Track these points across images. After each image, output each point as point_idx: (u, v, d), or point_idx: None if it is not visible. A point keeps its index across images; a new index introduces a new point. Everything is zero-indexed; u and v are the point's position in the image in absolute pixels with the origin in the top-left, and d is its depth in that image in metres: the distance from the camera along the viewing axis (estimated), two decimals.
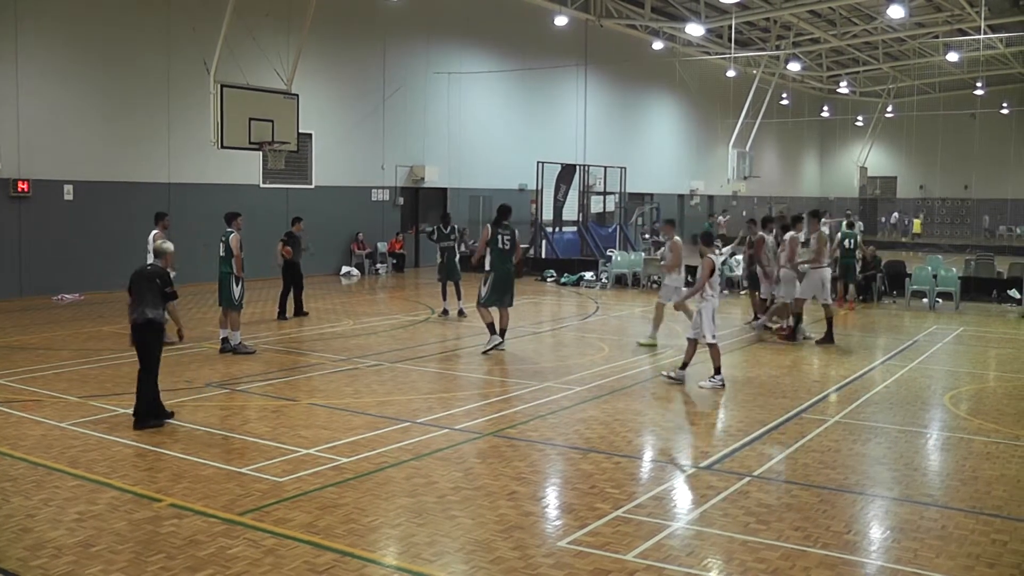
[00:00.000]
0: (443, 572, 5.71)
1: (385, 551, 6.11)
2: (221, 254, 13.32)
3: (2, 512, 6.64)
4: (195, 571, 5.64)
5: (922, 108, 51.91)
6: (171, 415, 9.27)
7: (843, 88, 51.78)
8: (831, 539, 6.29)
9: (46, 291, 19.46)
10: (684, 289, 14.02)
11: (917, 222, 51.43)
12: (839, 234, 19.87)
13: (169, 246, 9.88)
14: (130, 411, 9.19)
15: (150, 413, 9.09)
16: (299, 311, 17.19)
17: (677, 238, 14.85)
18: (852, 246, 19.79)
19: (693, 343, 11.55)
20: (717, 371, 11.39)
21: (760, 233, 16.26)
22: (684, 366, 11.55)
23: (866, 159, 54.49)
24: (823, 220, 16.52)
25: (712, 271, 11.31)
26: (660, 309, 14.61)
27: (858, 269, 20.43)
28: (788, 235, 15.27)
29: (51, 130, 19.84)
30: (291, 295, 17.09)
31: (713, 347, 11.37)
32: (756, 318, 16.34)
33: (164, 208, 20.67)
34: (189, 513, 6.63)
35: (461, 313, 17.33)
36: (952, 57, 39.07)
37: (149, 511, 6.69)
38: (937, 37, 39.78)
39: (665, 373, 11.74)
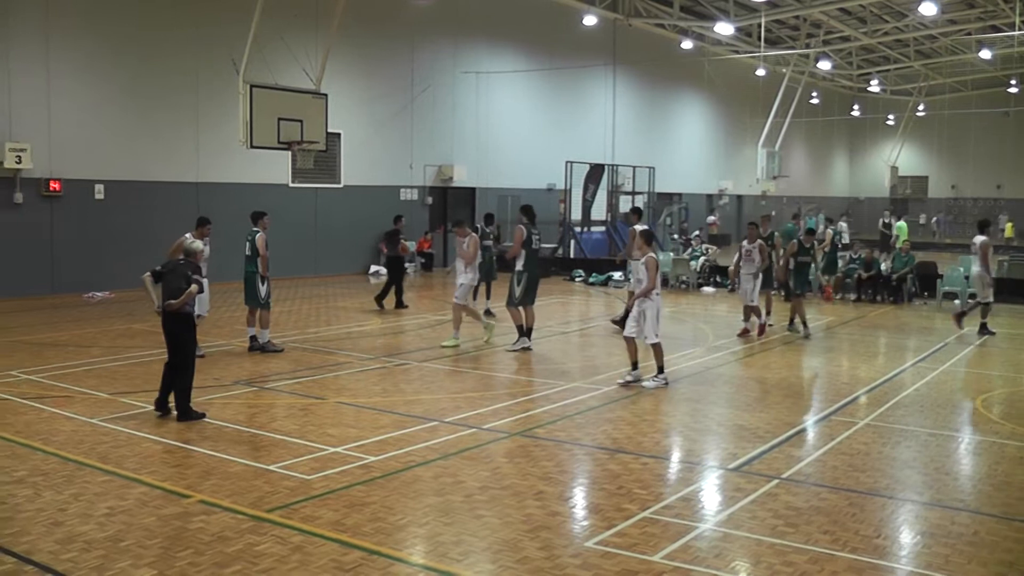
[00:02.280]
0: (470, 571, 5.71)
1: (412, 550, 6.11)
2: (247, 253, 13.41)
3: (34, 506, 6.72)
4: (223, 567, 5.68)
5: (954, 106, 51.19)
6: (202, 416, 9.33)
7: (874, 86, 51.20)
8: (860, 543, 6.22)
9: (77, 289, 19.68)
10: (463, 285, 14.08)
11: (1009, 225, 47.88)
12: (829, 231, 21.50)
13: (199, 245, 10.11)
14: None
15: (183, 409, 9.19)
16: (400, 303, 18.30)
17: (474, 235, 14.54)
18: (840, 243, 22.09)
19: (632, 341, 11.34)
20: (660, 370, 11.30)
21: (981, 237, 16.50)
22: (634, 366, 11.39)
23: (897, 158, 53.85)
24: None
25: (657, 269, 11.20)
26: (457, 311, 14.20)
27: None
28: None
29: (82, 130, 20.07)
30: (393, 288, 18.24)
31: (656, 347, 11.24)
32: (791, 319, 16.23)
33: (193, 208, 20.87)
34: (217, 509, 6.68)
35: (488, 313, 17.34)
36: (985, 54, 38.59)
37: (178, 507, 6.75)
38: (970, 34, 39.27)
39: (620, 380, 11.44)
